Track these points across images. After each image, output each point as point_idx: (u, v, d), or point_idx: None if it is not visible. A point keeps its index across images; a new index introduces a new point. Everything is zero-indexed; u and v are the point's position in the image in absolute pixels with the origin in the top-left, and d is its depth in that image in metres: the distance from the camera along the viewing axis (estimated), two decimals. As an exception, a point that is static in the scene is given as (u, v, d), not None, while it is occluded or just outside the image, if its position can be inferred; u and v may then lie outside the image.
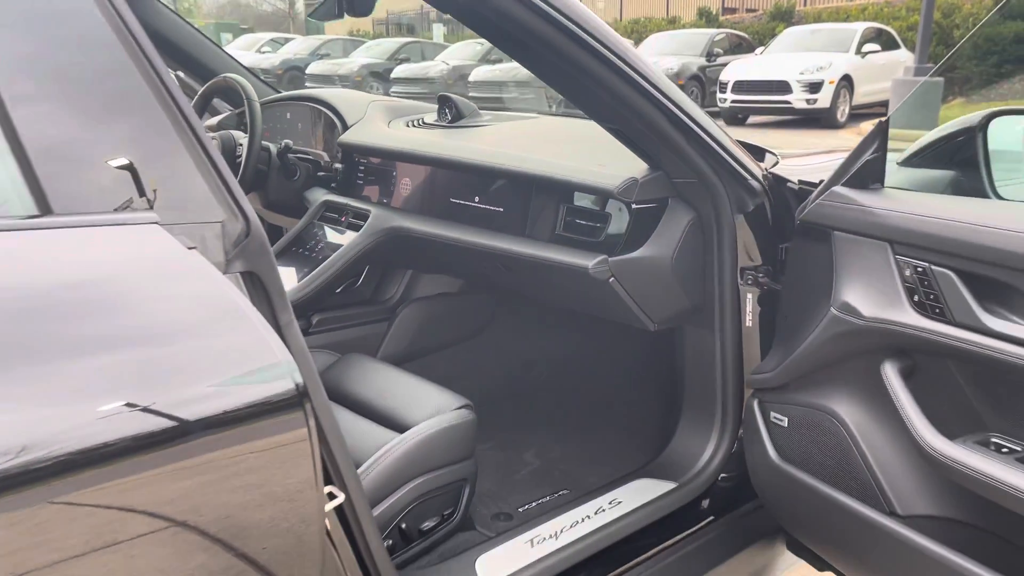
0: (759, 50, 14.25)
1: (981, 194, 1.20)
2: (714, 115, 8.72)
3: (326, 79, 15.06)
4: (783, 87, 11.91)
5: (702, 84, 13.66)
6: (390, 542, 1.30)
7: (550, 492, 1.63)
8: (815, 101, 11.76)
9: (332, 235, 1.88)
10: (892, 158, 1.36)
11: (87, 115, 0.77)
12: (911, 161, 1.28)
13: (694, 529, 1.49)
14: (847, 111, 12.27)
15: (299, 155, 2.06)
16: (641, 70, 1.25)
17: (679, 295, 1.50)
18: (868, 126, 9.76)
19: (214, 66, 2.30)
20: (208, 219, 0.81)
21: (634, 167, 1.47)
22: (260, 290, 0.86)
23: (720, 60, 14.02)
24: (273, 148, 2.01)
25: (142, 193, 0.77)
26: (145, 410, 0.65)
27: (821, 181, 1.30)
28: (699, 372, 1.58)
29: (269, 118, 2.16)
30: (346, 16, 1.43)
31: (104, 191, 0.75)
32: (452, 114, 1.98)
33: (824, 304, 1.21)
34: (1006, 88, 12.53)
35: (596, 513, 1.43)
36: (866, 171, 1.20)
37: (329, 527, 0.92)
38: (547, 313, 2.10)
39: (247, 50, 17.35)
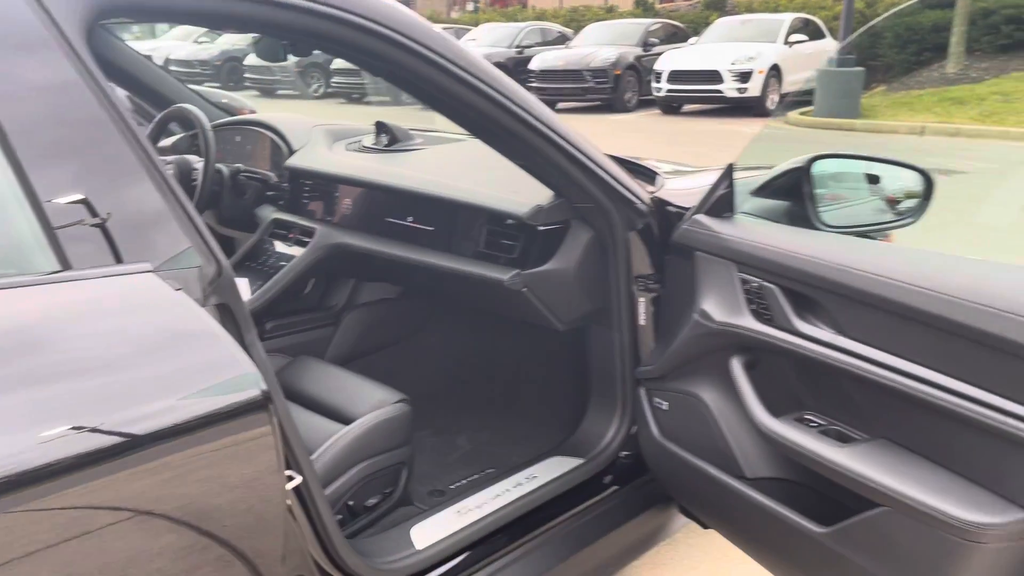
0: (692, 40, 14.63)
1: (808, 222, 1.49)
2: (651, 103, 9.17)
3: (266, 70, 14.95)
4: (715, 77, 12.30)
5: (639, 73, 13.99)
6: (340, 517, 1.55)
7: (478, 471, 1.90)
8: (746, 90, 12.18)
9: (281, 250, 2.11)
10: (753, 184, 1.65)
11: (96, 184, 1.00)
12: (760, 192, 1.57)
13: (599, 497, 1.77)
14: (776, 100, 12.73)
15: (249, 175, 2.27)
16: (543, 119, 1.50)
17: (582, 300, 1.77)
18: (796, 115, 10.14)
19: (165, 92, 2.50)
20: (190, 265, 1.05)
21: (542, 194, 1.73)
22: (230, 317, 1.10)
23: (656, 49, 14.35)
24: (226, 170, 2.23)
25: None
26: (138, 418, 0.88)
27: (689, 208, 1.58)
28: (602, 364, 1.86)
29: (220, 140, 2.36)
30: (289, 58, 1.66)
31: (111, 247, 0.99)
32: (388, 139, 2.22)
33: (690, 310, 1.49)
34: (924, 76, 13.15)
35: (515, 486, 1.70)
36: (719, 203, 1.48)
37: (290, 504, 1.17)
38: (475, 315, 2.36)
39: (183, 40, 17.05)
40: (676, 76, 12.65)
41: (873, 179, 1.76)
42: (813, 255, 1.25)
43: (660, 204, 1.73)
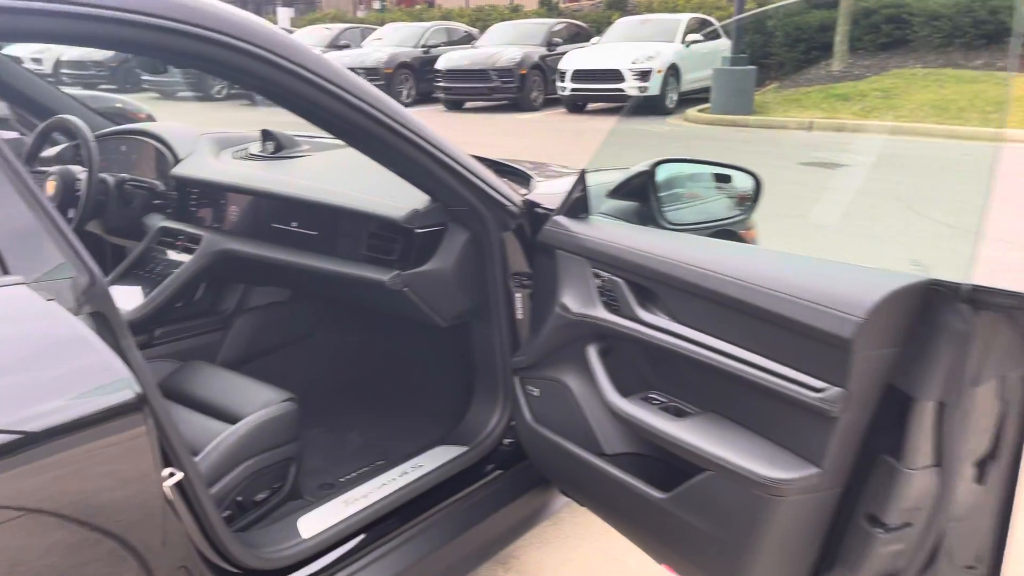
0: (595, 39, 14.96)
1: (654, 220, 1.64)
2: (557, 102, 9.39)
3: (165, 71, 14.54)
4: (616, 76, 12.62)
5: (543, 73, 14.22)
6: (229, 512, 1.61)
7: (368, 463, 1.99)
8: (646, 89, 12.52)
9: (169, 257, 2.15)
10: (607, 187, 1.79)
11: None
12: (614, 194, 1.71)
13: (483, 482, 1.89)
14: (675, 98, 13.14)
15: (136, 185, 2.30)
16: (409, 126, 1.59)
17: (461, 298, 1.88)
18: (694, 112, 10.52)
19: (44, 100, 2.49)
20: (63, 277, 1.11)
21: (420, 198, 1.84)
22: (105, 324, 1.16)
23: (560, 49, 14.61)
24: (111, 179, 2.25)
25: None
26: (14, 422, 0.95)
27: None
28: (485, 357, 1.97)
29: (105, 150, 2.37)
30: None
31: None
32: (274, 146, 2.28)
33: (553, 303, 1.62)
34: (812, 73, 13.80)
35: (401, 475, 1.80)
36: (575, 206, 1.61)
37: (172, 499, 1.24)
38: (363, 315, 2.44)
39: (76, 40, 16.39)
40: (579, 75, 12.92)
41: (725, 179, 1.93)
42: (650, 251, 1.39)
43: (530, 206, 1.85)
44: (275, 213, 2.06)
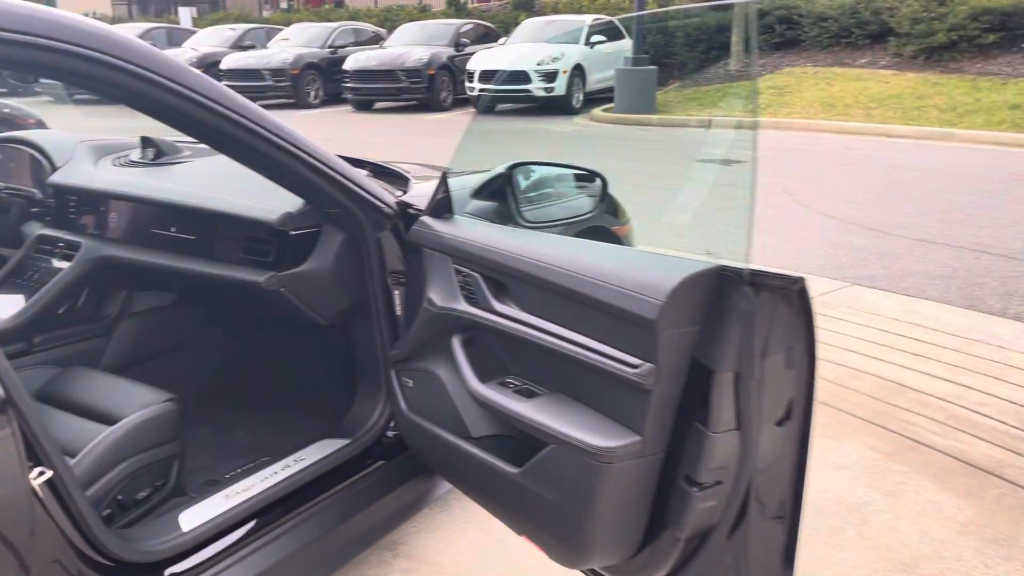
0: (502, 40, 15.13)
1: (513, 219, 1.76)
2: (466, 102, 9.53)
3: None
4: (523, 77, 12.79)
5: (452, 73, 14.29)
6: (110, 510, 1.66)
7: (253, 460, 2.04)
8: (552, 90, 12.74)
9: (48, 265, 2.16)
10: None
11: None
12: (478, 195, 1.82)
13: (366, 472, 1.97)
14: (581, 98, 13.40)
15: (12, 193, 2.29)
16: (278, 133, 1.66)
17: (340, 296, 1.96)
18: (599, 112, 10.74)
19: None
20: None
21: (295, 201, 1.91)
22: None
23: (468, 49, 14.72)
24: None
25: None
26: None
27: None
28: (366, 353, 2.06)
29: (-21, 159, 2.36)
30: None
31: None
32: (153, 153, 2.31)
33: (421, 298, 1.72)
34: (712, 73, 14.27)
35: (283, 469, 1.87)
36: (439, 206, 1.72)
37: (43, 497, 1.28)
38: (249, 316, 2.49)
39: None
40: (487, 76, 13.04)
41: (588, 179, 2.07)
42: (501, 248, 1.50)
43: (404, 207, 1.95)
44: (154, 219, 2.09)
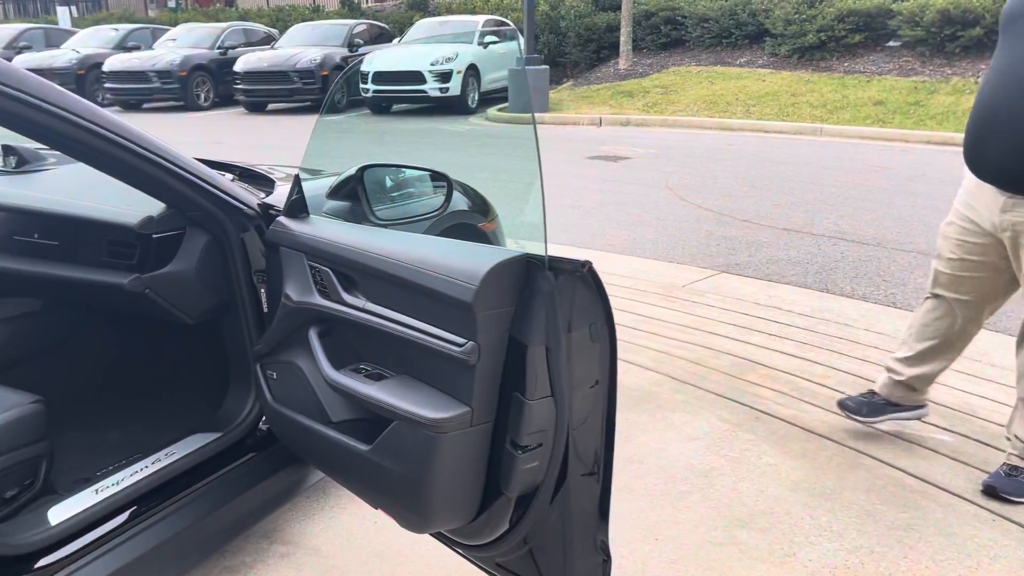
0: (396, 40, 15.14)
1: (365, 218, 1.88)
2: (361, 103, 9.53)
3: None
4: (418, 77, 12.87)
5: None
6: (-25, 511, 1.70)
7: (126, 457, 2.10)
8: (447, 90, 12.87)
9: (-93, 275, 2.15)
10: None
11: None
12: (333, 195, 1.94)
13: (238, 463, 2.06)
14: (476, 97, 13.57)
15: None
16: (137, 142, 1.73)
17: (207, 296, 2.04)
18: (494, 112, 10.87)
19: None
20: None
21: (157, 205, 1.98)
22: None
23: (362, 50, 14.69)
24: None
25: None
26: None
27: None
28: (236, 349, 2.14)
29: None
30: None
31: None
32: (16, 161, 2.33)
33: (280, 294, 1.83)
34: (602, 72, 14.66)
35: (153, 463, 1.94)
36: (294, 207, 1.83)
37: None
38: (120, 319, 2.53)
39: None
40: (381, 77, 13.05)
41: (442, 178, 2.21)
42: (347, 244, 1.63)
43: (266, 208, 2.04)
44: (17, 226, 2.12)
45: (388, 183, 1.99)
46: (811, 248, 5.20)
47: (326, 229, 1.73)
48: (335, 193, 1.90)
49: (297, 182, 1.80)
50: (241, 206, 1.98)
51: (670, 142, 9.98)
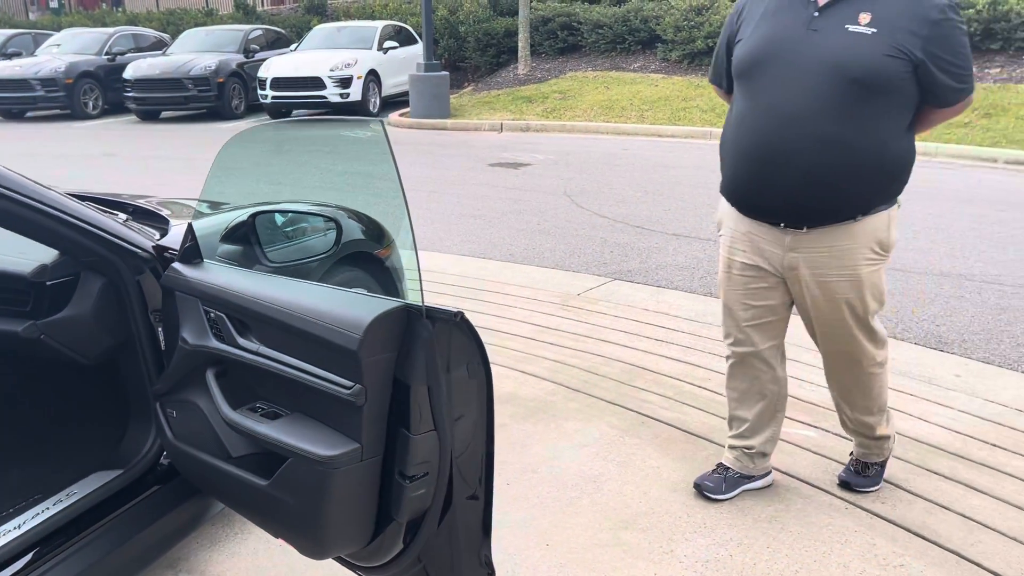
0: (293, 46, 14.96)
1: (259, 261, 1.98)
2: (261, 109, 9.49)
3: None
4: (317, 83, 12.79)
5: (243, 81, 13.98)
6: None
7: (26, 499, 2.13)
8: (348, 95, 12.84)
9: None
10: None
11: None
12: (227, 240, 2.02)
13: (141, 498, 2.12)
14: (378, 103, 13.57)
15: None
16: (23, 193, 1.77)
17: (104, 338, 2.09)
18: (396, 117, 10.90)
19: None
20: None
21: (51, 252, 2.02)
22: None
23: (259, 56, 14.45)
24: None
25: None
26: None
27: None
28: (135, 388, 2.19)
29: None
30: None
31: None
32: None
33: (177, 337, 1.91)
34: (502, 76, 14.84)
35: (55, 504, 1.98)
36: (188, 253, 1.91)
37: None
38: (16, 363, 2.53)
39: None
40: (279, 83, 12.91)
41: (331, 221, 2.31)
42: (241, 291, 1.72)
43: (161, 251, 2.11)
44: None
45: (280, 220, 2.08)
46: (698, 253, 5.50)
47: (220, 276, 1.82)
48: (228, 237, 1.99)
49: (190, 230, 1.88)
50: (135, 249, 2.04)
51: (569, 147, 10.25)
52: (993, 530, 2.38)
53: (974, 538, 2.35)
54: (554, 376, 3.52)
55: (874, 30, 2.03)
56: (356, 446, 1.52)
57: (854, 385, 2.43)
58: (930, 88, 2.08)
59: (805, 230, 2.20)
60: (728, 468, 2.63)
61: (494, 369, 3.53)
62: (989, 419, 3.06)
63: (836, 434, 2.94)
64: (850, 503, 2.54)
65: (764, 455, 2.61)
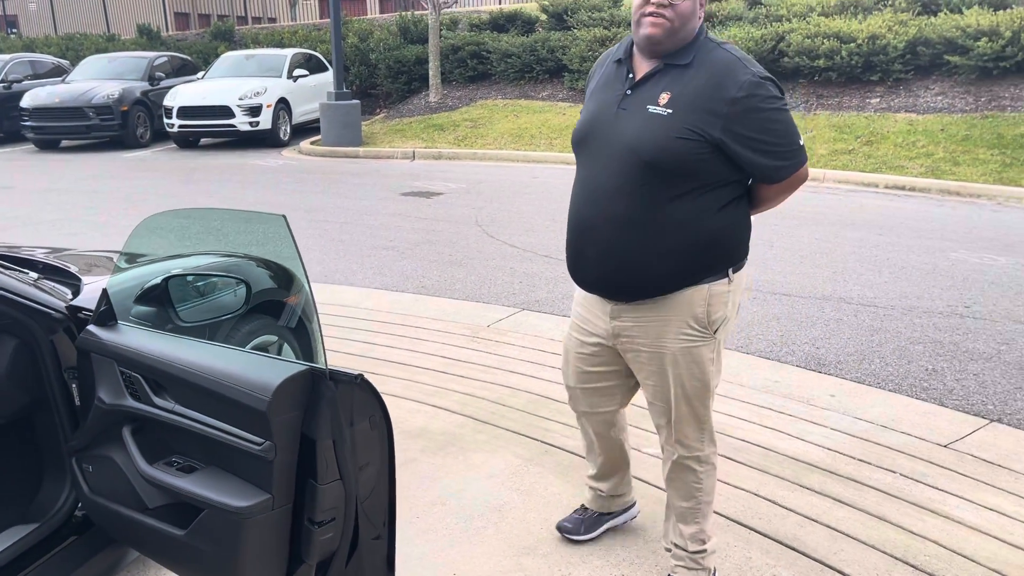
0: (201, 74, 14.78)
1: (172, 321, 2.09)
2: (166, 137, 9.39)
3: None
4: (226, 112, 12.68)
5: (148, 109, 13.73)
6: None
7: None
8: (257, 124, 12.77)
9: None
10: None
11: None
12: (141, 301, 2.12)
13: (59, 549, 2.18)
14: (288, 130, 13.54)
15: None
16: None
17: (18, 396, 2.15)
18: (307, 145, 10.90)
19: None
20: None
21: (-40, 314, 2.08)
22: None
23: (165, 83, 14.23)
24: None
25: None
26: None
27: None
28: (50, 443, 2.26)
29: None
30: None
31: None
32: None
33: (93, 396, 2.00)
34: (414, 104, 14.99)
35: None
36: (103, 317, 2.00)
37: None
38: None
39: None
40: (186, 112, 12.75)
41: (241, 282, 2.42)
42: (156, 354, 1.84)
43: (74, 311, 2.19)
44: None
45: (191, 279, 2.19)
46: (602, 281, 5.76)
47: (135, 339, 1.92)
48: (142, 299, 2.09)
49: (105, 294, 1.98)
50: (48, 311, 2.12)
51: (480, 176, 10.48)
52: (855, 539, 2.66)
53: (837, 547, 2.62)
54: (463, 409, 3.69)
55: (669, 111, 1.99)
56: (267, 497, 1.65)
57: (675, 476, 2.37)
58: (748, 166, 2.03)
59: (621, 303, 2.19)
60: (587, 508, 2.71)
61: (406, 404, 3.69)
62: (857, 436, 3.37)
63: (724, 456, 3.19)
64: (731, 520, 2.79)
65: (618, 496, 2.68)
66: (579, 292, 2.36)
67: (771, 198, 2.17)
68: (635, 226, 2.06)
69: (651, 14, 2.00)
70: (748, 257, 2.23)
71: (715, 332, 2.17)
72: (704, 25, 2.12)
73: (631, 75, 2.10)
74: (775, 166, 2.04)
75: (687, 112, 1.98)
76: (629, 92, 2.09)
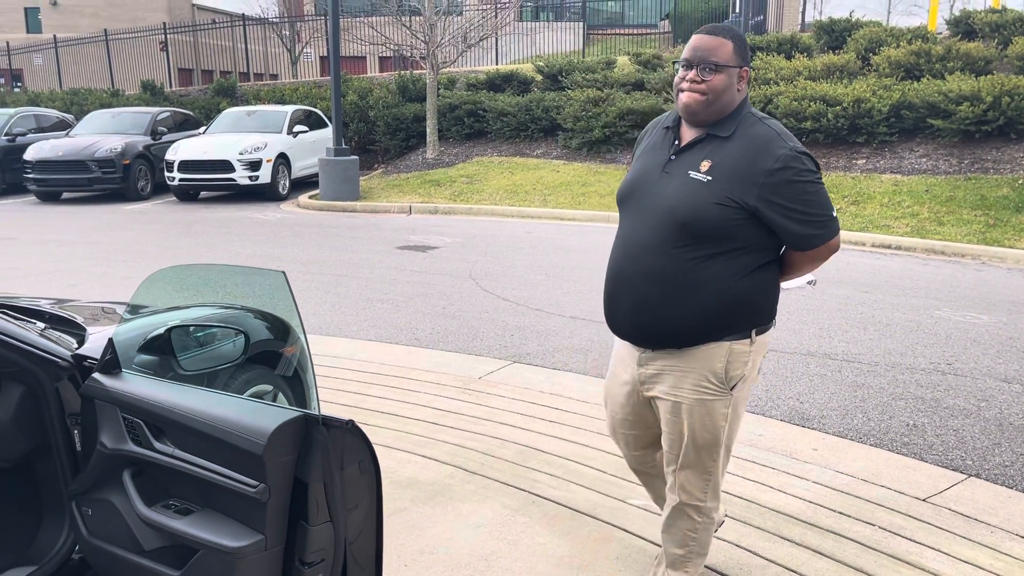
0: (203, 129, 15.08)
1: (173, 370, 2.20)
2: (167, 189, 9.59)
3: None
4: (226, 166, 12.91)
5: (150, 163, 13.98)
6: None
7: None
8: (257, 178, 12.99)
9: None
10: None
11: None
12: (144, 351, 2.23)
13: None
14: (288, 184, 13.76)
15: None
16: None
17: (22, 441, 2.24)
18: (306, 199, 11.08)
19: None
20: None
21: (-32, 362, 2.18)
22: None
23: (167, 137, 14.51)
24: None
25: None
26: None
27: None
28: (50, 487, 2.33)
29: None
30: None
31: None
32: None
33: (95, 441, 2.08)
34: (411, 160, 15.26)
35: None
36: (108, 365, 2.11)
37: None
38: None
39: None
40: (187, 166, 12.98)
41: (240, 332, 2.53)
42: (158, 401, 1.94)
43: (79, 360, 2.28)
44: None
45: (193, 330, 2.30)
46: (592, 335, 5.87)
47: (138, 386, 2.02)
48: (146, 348, 2.20)
49: (111, 344, 2.08)
50: (54, 359, 2.22)
51: (475, 230, 10.65)
52: (832, 589, 2.72)
53: (815, 597, 2.68)
54: (453, 459, 3.75)
55: (709, 178, 2.14)
56: (261, 538, 1.73)
57: (673, 521, 2.47)
58: (781, 233, 2.16)
59: (648, 351, 2.34)
60: None
61: (397, 454, 3.76)
62: (838, 489, 3.45)
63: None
64: (713, 570, 2.85)
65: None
66: (617, 340, 2.51)
67: (802, 265, 2.29)
68: (667, 281, 2.21)
69: (688, 89, 2.18)
70: (775, 321, 2.35)
71: (732, 388, 2.28)
72: (748, 99, 2.27)
73: (677, 141, 2.28)
74: (808, 234, 2.17)
75: (726, 180, 2.13)
76: (673, 157, 2.26)
